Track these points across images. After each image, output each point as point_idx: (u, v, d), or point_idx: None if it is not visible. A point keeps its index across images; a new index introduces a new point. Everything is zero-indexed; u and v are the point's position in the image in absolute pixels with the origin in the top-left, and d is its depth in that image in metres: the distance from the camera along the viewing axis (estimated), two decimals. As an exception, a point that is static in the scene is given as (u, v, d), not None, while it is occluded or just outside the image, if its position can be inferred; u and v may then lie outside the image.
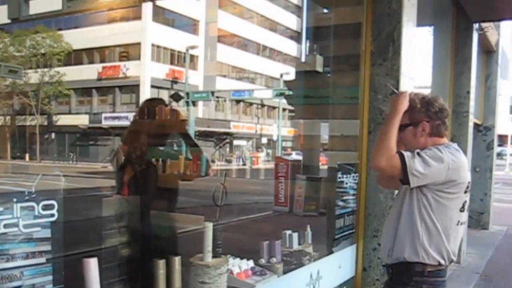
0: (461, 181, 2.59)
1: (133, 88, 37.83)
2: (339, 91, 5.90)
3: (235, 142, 44.99)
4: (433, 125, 2.66)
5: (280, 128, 41.31)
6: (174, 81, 38.84)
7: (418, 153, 2.53)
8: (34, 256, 2.12)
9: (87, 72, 39.28)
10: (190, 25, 40.88)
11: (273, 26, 48.32)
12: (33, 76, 37.97)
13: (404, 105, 2.65)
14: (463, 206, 2.65)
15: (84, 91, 41.37)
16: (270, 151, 45.35)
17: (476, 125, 10.49)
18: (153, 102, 4.02)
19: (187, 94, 34.91)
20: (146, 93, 35.71)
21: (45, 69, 38.84)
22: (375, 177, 4.95)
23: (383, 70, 5.03)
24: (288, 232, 4.41)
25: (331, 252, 4.87)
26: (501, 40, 11.62)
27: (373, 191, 5.10)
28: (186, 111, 34.67)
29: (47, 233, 2.15)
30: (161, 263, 3.16)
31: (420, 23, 5.85)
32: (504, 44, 13.26)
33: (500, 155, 40.46)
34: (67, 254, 2.36)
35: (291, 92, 9.97)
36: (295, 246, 4.40)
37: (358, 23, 5.26)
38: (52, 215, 2.16)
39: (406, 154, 2.52)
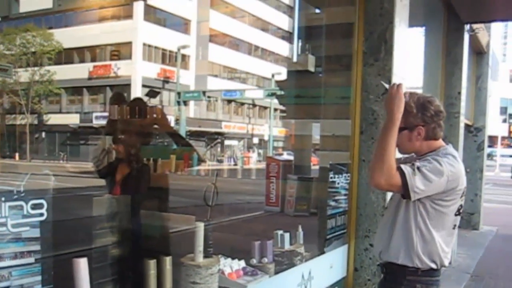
0: (459, 188, 2.58)
1: (124, 87, 37.66)
2: (331, 91, 5.90)
3: (227, 142, 44.95)
4: (429, 129, 2.61)
5: (272, 128, 41.32)
6: (166, 81, 38.74)
7: (418, 168, 2.47)
8: (23, 256, 2.10)
9: (78, 71, 39.09)
10: (181, 25, 40.79)
11: (264, 26, 48.32)
12: (23, 75, 37.69)
13: (401, 109, 2.55)
14: (458, 210, 2.65)
15: (75, 90, 41.16)
16: (261, 151, 45.33)
17: (467, 126, 10.53)
18: (135, 102, 3.98)
19: (179, 93, 34.81)
20: (137, 93, 35.56)
21: (36, 68, 38.59)
22: (367, 177, 4.99)
23: (375, 70, 5.03)
24: (280, 232, 4.40)
25: (323, 252, 4.87)
26: (492, 41, 11.69)
27: (364, 192, 5.10)
28: (177, 110, 34.59)
29: (36, 232, 2.12)
30: (152, 263, 3.14)
31: (412, 23, 5.86)
32: (495, 45, 13.35)
33: (490, 156, 40.71)
34: (56, 254, 2.33)
35: (282, 92, 9.97)
36: (287, 246, 4.39)
37: (350, 23, 5.26)
38: (41, 215, 2.13)
39: (407, 172, 2.45)
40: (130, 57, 38.53)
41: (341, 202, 5.11)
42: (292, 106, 8.04)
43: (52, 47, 38.27)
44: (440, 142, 2.68)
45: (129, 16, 37.32)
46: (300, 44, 8.10)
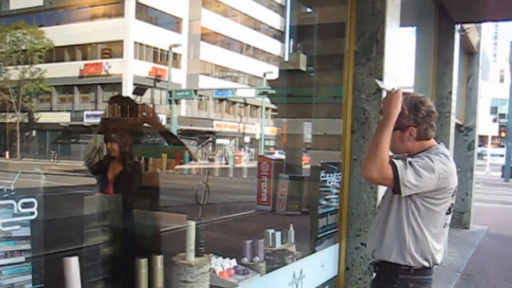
0: (450, 187, 2.60)
1: (116, 86, 37.54)
2: (322, 90, 5.90)
3: (218, 141, 44.91)
4: (421, 129, 2.62)
5: (263, 127, 41.31)
6: (157, 79, 38.65)
7: (410, 163, 2.49)
8: (13, 255, 2.09)
9: (69, 69, 38.87)
10: (173, 23, 40.69)
11: (256, 25, 48.32)
12: (14, 73, 37.48)
13: (398, 107, 2.57)
14: (449, 209, 2.67)
15: (66, 88, 40.96)
16: (252, 150, 45.31)
17: (457, 126, 10.59)
18: (124, 101, 3.97)
19: (170, 92, 34.75)
20: (128, 91, 35.45)
21: (26, 66, 38.35)
22: (359, 176, 5.00)
23: (366, 70, 5.04)
24: (271, 231, 4.40)
25: (314, 251, 4.87)
26: (482, 41, 11.76)
27: (356, 191, 5.11)
28: (168, 109, 34.51)
29: (26, 231, 2.11)
30: (143, 262, 3.14)
31: (404, 23, 5.88)
32: (485, 46, 13.42)
33: (480, 155, 40.95)
34: (47, 253, 2.32)
35: (274, 91, 9.97)
36: (278, 245, 4.39)
37: (342, 22, 5.27)
38: (32, 213, 2.12)
39: (399, 165, 2.48)
40: (121, 56, 38.38)
41: (332, 201, 5.12)
42: (284, 105, 8.04)
43: (43, 45, 38.05)
44: (432, 141, 2.69)
45: (120, 14, 37.20)
46: (291, 43, 8.11)
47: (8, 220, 2.06)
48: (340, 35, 5.31)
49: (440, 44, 8.49)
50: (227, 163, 38.96)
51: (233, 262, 4.01)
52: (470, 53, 11.54)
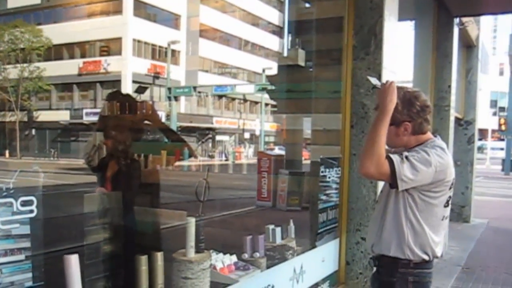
0: (447, 179, 2.60)
1: (115, 83, 37.48)
2: (321, 85, 5.90)
3: (218, 138, 44.90)
4: (415, 124, 2.62)
5: (263, 123, 41.30)
6: (156, 76, 38.62)
7: (406, 157, 2.49)
8: (13, 253, 2.09)
9: (68, 67, 38.84)
10: (171, 20, 40.66)
11: (255, 20, 48.23)
12: (12, 72, 37.43)
13: (393, 101, 2.56)
14: (447, 202, 2.67)
15: (65, 86, 40.93)
16: (252, 145, 45.29)
17: (457, 119, 10.58)
18: (123, 98, 3.95)
19: (169, 89, 34.73)
20: (127, 89, 35.42)
21: (25, 64, 38.29)
22: (358, 170, 5.00)
23: (365, 64, 5.04)
24: (271, 226, 4.41)
25: (314, 246, 4.88)
26: (481, 35, 11.73)
27: (356, 185, 5.11)
28: (168, 106, 34.50)
29: (26, 229, 2.11)
30: (143, 259, 3.14)
31: (402, 17, 5.87)
32: (484, 39, 13.40)
33: (480, 149, 40.93)
34: (48, 252, 2.32)
35: (273, 87, 9.96)
36: (278, 240, 4.40)
37: (340, 17, 5.26)
38: (31, 211, 2.12)
39: (395, 160, 2.48)
40: (120, 53, 38.35)
41: (332, 196, 5.13)
42: (283, 101, 8.04)
43: (41, 43, 38.01)
44: (428, 135, 2.69)
45: (118, 11, 37.16)
46: (290, 38, 8.10)
47: (8, 218, 2.06)
48: (338, 30, 5.30)
49: (439, 38, 8.48)
50: (227, 160, 38.96)
51: (234, 258, 4.02)
52: (469, 46, 11.52)
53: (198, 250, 3.40)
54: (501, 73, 60.75)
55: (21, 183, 2.20)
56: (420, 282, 2.66)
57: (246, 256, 4.11)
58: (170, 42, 35.01)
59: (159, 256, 3.21)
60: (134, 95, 30.17)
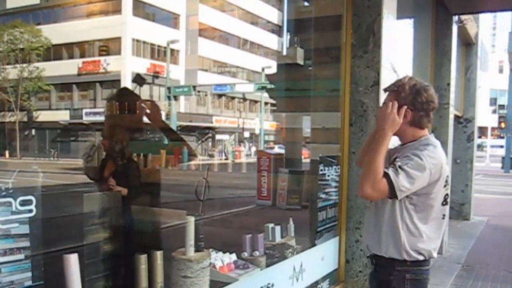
0: (442, 177, 2.60)
1: (114, 83, 37.47)
2: (320, 84, 5.91)
3: (218, 137, 44.89)
4: (416, 115, 2.62)
5: (263, 122, 41.29)
6: (156, 76, 38.60)
7: (400, 167, 2.49)
8: (12, 252, 2.09)
9: (67, 67, 38.81)
10: (170, 19, 40.63)
11: (254, 19, 48.20)
12: (12, 72, 37.41)
13: (394, 128, 2.58)
14: (445, 200, 2.66)
15: (64, 86, 40.91)
16: (251, 144, 45.26)
17: (456, 117, 10.58)
18: (132, 97, 3.95)
19: (169, 88, 34.72)
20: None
21: (24, 65, 38.25)
22: (357, 168, 5.00)
23: (364, 62, 5.05)
24: (271, 225, 4.41)
25: (314, 245, 4.89)
26: (480, 32, 11.74)
27: (355, 183, 5.11)
28: (167, 105, 34.49)
29: (25, 229, 2.12)
30: (143, 257, 3.14)
31: (401, 15, 5.87)
32: (483, 36, 13.40)
33: (480, 146, 40.96)
34: (48, 251, 2.33)
35: (272, 86, 9.96)
36: (278, 239, 4.40)
37: (339, 15, 5.27)
38: (30, 211, 2.12)
39: (391, 174, 2.48)
40: (119, 53, 38.33)
41: (331, 195, 5.13)
42: (282, 100, 8.04)
43: (41, 43, 37.96)
44: (425, 132, 2.69)
45: (117, 11, 37.14)
46: (289, 37, 8.10)
47: (7, 218, 2.06)
48: (336, 28, 5.31)
49: (438, 36, 8.48)
50: (226, 159, 38.96)
51: (233, 256, 4.02)
52: (468, 44, 11.52)
53: (197, 249, 3.41)
54: (501, 71, 60.72)
55: (20, 183, 2.20)
56: (417, 280, 2.67)
57: (245, 254, 4.11)
58: (169, 42, 35.01)
59: (159, 255, 3.21)
60: (133, 85, 30.18)
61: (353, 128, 5.13)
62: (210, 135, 43.82)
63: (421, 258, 2.64)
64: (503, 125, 33.51)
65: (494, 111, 54.14)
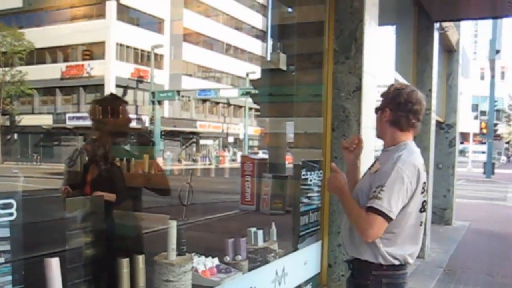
0: (419, 184, 2.59)
1: (98, 87, 37.27)
2: (303, 89, 5.94)
3: (202, 142, 44.81)
4: (394, 115, 2.65)
5: (247, 127, 41.31)
6: (140, 80, 38.46)
7: (381, 189, 2.50)
8: (-7, 256, 2.09)
9: (50, 71, 38.53)
10: (155, 24, 40.54)
11: (238, 25, 48.28)
12: (-6, 76, 37.07)
13: (340, 186, 2.67)
14: (422, 207, 2.66)
15: (47, 90, 40.55)
16: (236, 150, 45.24)
17: (438, 123, 10.69)
18: (117, 101, 3.95)
19: (153, 93, 34.62)
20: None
21: (6, 68, 37.88)
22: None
23: (346, 68, 5.10)
24: (253, 229, 4.43)
25: (297, 249, 4.90)
26: (462, 39, 11.88)
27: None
28: (151, 110, 34.37)
29: (5, 232, 2.11)
30: (125, 261, 3.14)
31: (383, 22, 5.93)
32: (465, 43, 13.56)
33: (462, 152, 41.34)
34: (29, 256, 2.32)
35: (256, 91, 9.99)
36: (260, 243, 4.42)
37: (321, 21, 5.31)
38: (11, 214, 2.12)
39: (375, 205, 2.49)
40: (103, 57, 38.14)
41: (314, 199, 5.16)
42: (266, 105, 8.07)
43: (23, 47, 37.60)
44: (405, 137, 2.69)
45: (101, 15, 36.97)
46: (272, 42, 8.14)
47: (-13, 222, 2.06)
48: (319, 34, 5.35)
49: (420, 42, 8.57)
50: (210, 164, 38.88)
51: (216, 261, 4.03)
52: (450, 51, 11.66)
53: (179, 253, 3.41)
54: (482, 78, 61.40)
55: (1, 187, 2.20)
56: (394, 284, 2.67)
57: (228, 259, 4.13)
58: (153, 46, 34.94)
59: (141, 259, 3.21)
60: (117, 90, 29.98)
61: (335, 133, 5.17)
62: (194, 140, 43.73)
63: (396, 262, 2.64)
64: (484, 130, 33.82)
65: (476, 117, 54.64)
